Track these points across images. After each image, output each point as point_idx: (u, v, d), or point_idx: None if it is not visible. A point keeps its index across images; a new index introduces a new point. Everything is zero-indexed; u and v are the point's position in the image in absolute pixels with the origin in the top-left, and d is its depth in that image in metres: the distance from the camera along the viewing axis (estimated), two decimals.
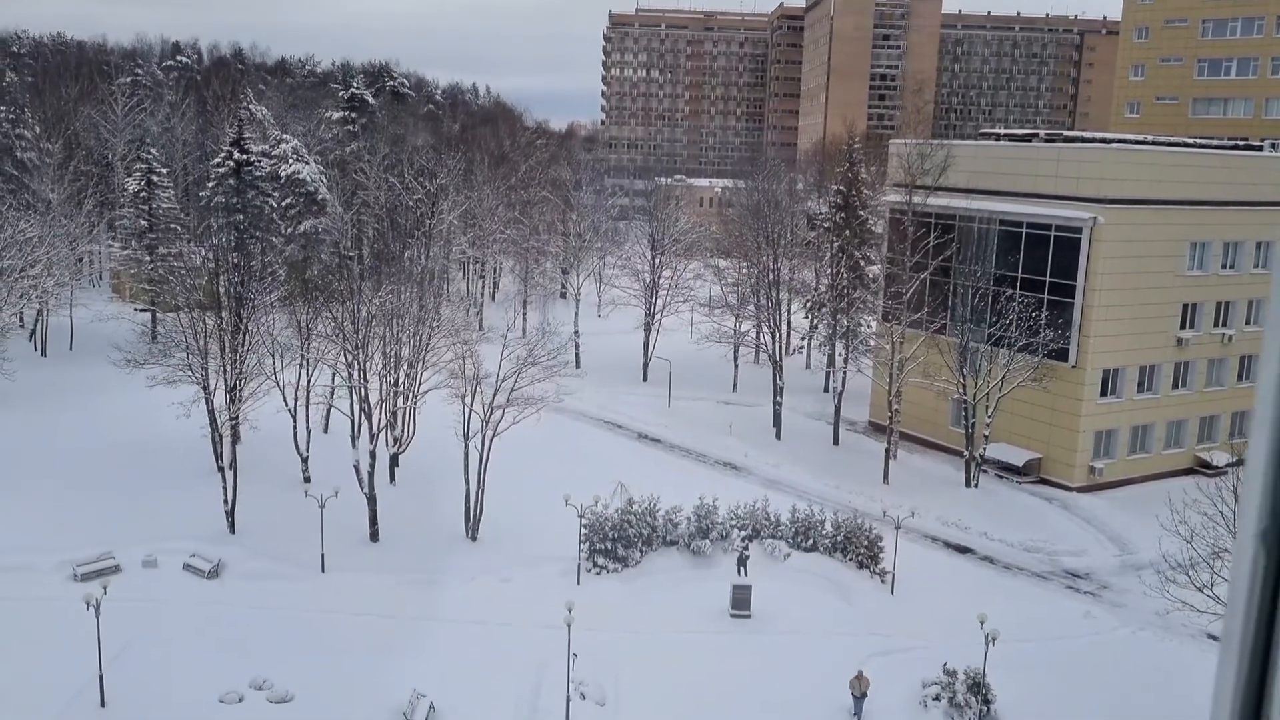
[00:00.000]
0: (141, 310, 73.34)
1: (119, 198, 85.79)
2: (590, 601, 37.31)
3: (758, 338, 68.95)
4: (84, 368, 64.78)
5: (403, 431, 48.58)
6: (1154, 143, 60.01)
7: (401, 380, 47.29)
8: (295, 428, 49.00)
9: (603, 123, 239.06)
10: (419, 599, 39.41)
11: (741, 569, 41.06)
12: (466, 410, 44.85)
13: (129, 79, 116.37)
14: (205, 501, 44.95)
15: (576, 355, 74.07)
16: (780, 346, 65.28)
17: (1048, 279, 55.03)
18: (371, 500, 44.55)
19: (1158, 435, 57.18)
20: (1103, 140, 60.91)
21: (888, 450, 56.05)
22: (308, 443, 49.50)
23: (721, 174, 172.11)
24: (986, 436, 55.06)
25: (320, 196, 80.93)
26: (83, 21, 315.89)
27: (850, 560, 43.47)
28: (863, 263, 66.12)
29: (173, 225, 77.51)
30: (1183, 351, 56.80)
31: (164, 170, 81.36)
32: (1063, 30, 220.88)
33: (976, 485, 54.68)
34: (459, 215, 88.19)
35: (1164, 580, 33.97)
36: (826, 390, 69.59)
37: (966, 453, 55.06)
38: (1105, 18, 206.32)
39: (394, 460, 49.61)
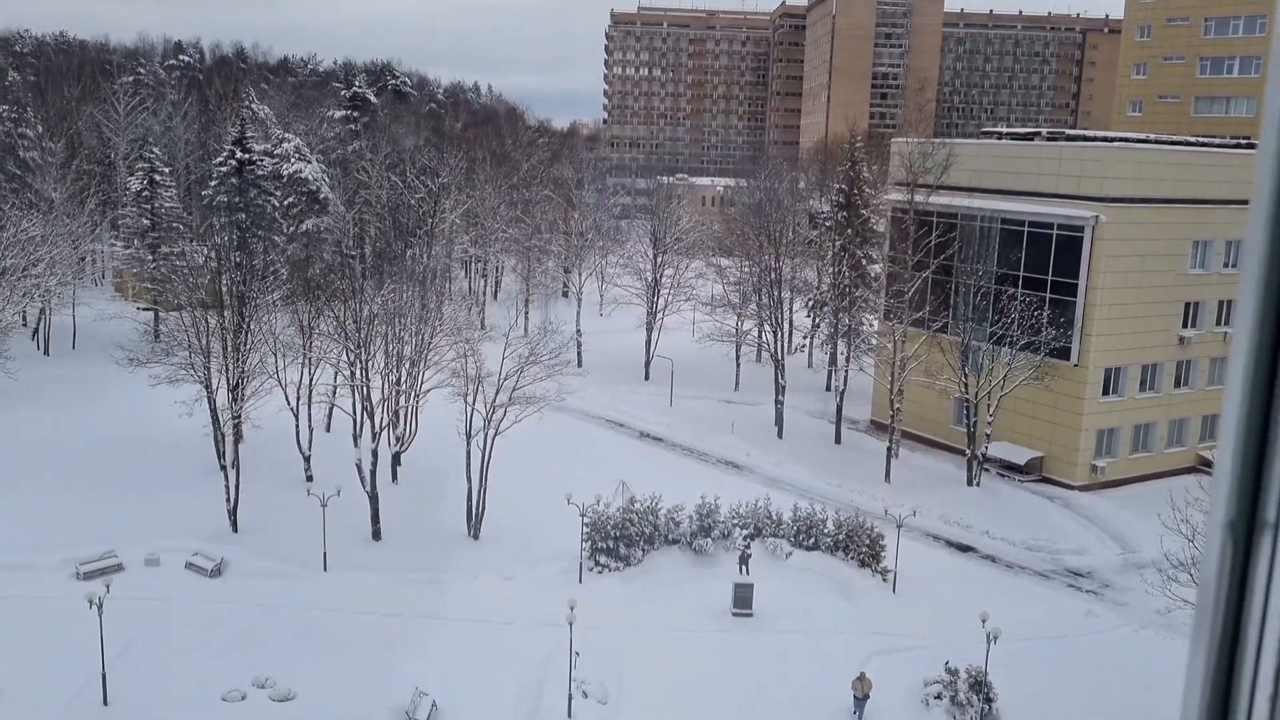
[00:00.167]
0: (144, 309, 73.41)
1: (121, 197, 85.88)
2: (592, 600, 37.34)
3: (759, 336, 68.97)
4: (87, 367, 64.84)
5: (405, 430, 48.62)
6: (1156, 141, 60.03)
7: (404, 379, 47.32)
8: (298, 426, 49.04)
9: (605, 121, 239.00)
10: (421, 597, 39.45)
11: (743, 568, 41.08)
12: (468, 409, 44.89)
13: (131, 78, 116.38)
14: (208, 500, 44.99)
15: (578, 354, 74.08)
16: (782, 345, 65.29)
17: (1049, 278, 55.03)
18: (374, 499, 44.58)
19: (1160, 434, 57.17)
20: (1105, 139, 60.91)
21: (889, 449, 56.05)
22: (310, 441, 49.54)
23: (723, 173, 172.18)
24: (988, 435, 55.05)
25: (322, 195, 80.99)
26: (85, 21, 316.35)
27: (852, 559, 43.49)
28: (864, 261, 66.11)
29: (175, 224, 77.58)
30: (1185, 350, 56.78)
31: (166, 169, 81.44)
32: (1065, 29, 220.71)
33: (978, 484, 54.68)
34: (461, 214, 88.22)
35: (1166, 579, 33.99)
36: (828, 389, 69.58)
37: (968, 451, 55.05)
38: (1107, 16, 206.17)
39: (396, 459, 49.64)
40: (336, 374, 48.26)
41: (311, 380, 48.87)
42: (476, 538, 45.05)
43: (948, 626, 37.69)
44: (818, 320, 69.74)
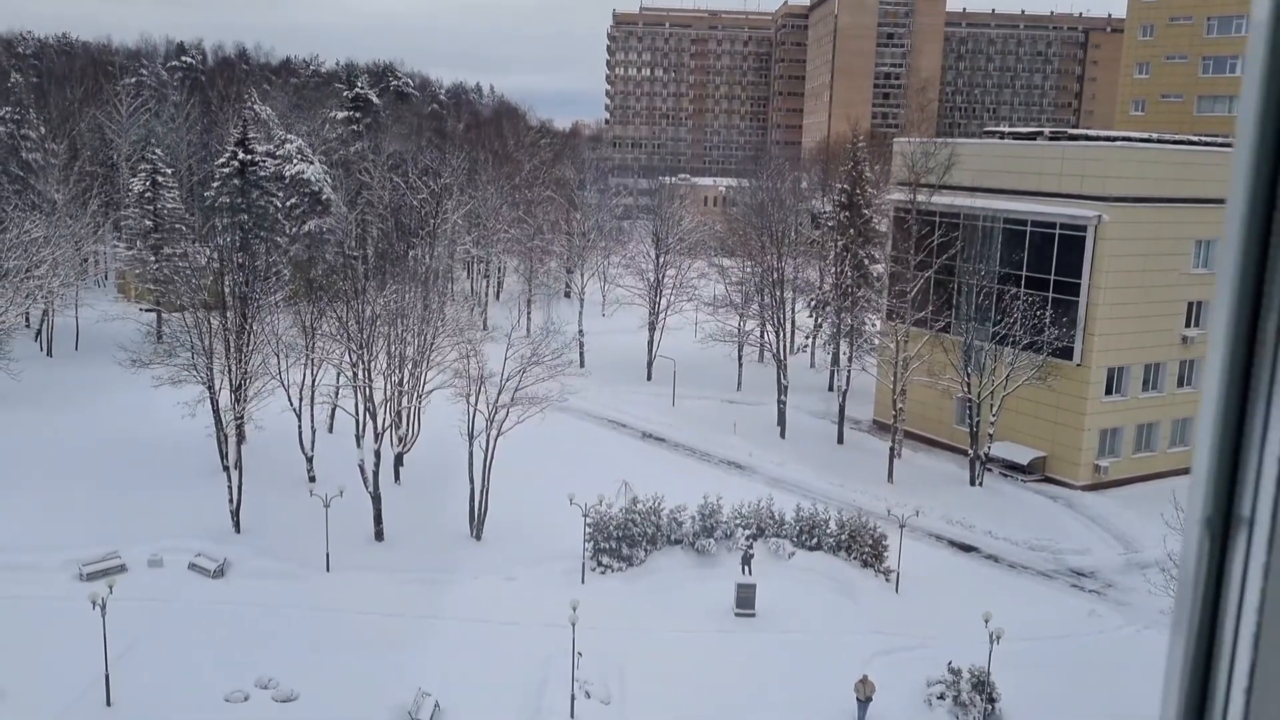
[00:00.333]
0: (146, 310, 73.49)
1: (124, 198, 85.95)
2: (595, 600, 37.34)
3: (762, 336, 69.01)
4: (89, 368, 64.91)
5: (407, 431, 48.65)
6: (1159, 141, 59.97)
7: (406, 380, 47.36)
8: (300, 427, 49.08)
9: (607, 122, 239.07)
10: (424, 598, 39.47)
11: (746, 568, 41.08)
12: (471, 409, 44.92)
13: (133, 79, 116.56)
14: (210, 501, 45.04)
15: (581, 354, 74.09)
16: (784, 345, 65.29)
17: (1052, 277, 55.00)
18: (376, 499, 44.62)
19: (1163, 433, 57.13)
20: (1107, 138, 60.89)
21: (892, 449, 56.04)
22: (313, 442, 49.58)
23: (726, 173, 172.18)
24: (991, 435, 55.03)
25: (325, 196, 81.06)
26: (87, 22, 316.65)
27: (855, 559, 43.49)
28: (867, 261, 66.10)
29: (178, 225, 77.63)
30: (1188, 350, 56.73)
31: (169, 170, 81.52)
32: (1067, 28, 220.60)
33: (981, 484, 54.65)
34: (463, 215, 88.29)
35: (1169, 579, 33.98)
36: (831, 389, 69.57)
37: (971, 451, 55.04)
38: (1110, 15, 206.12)
39: (399, 459, 49.67)
40: (339, 375, 48.32)
41: (314, 381, 48.91)
42: (479, 538, 45.07)
43: (950, 626, 37.69)
44: (820, 320, 69.74)
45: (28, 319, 74.31)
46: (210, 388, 45.67)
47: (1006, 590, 42.20)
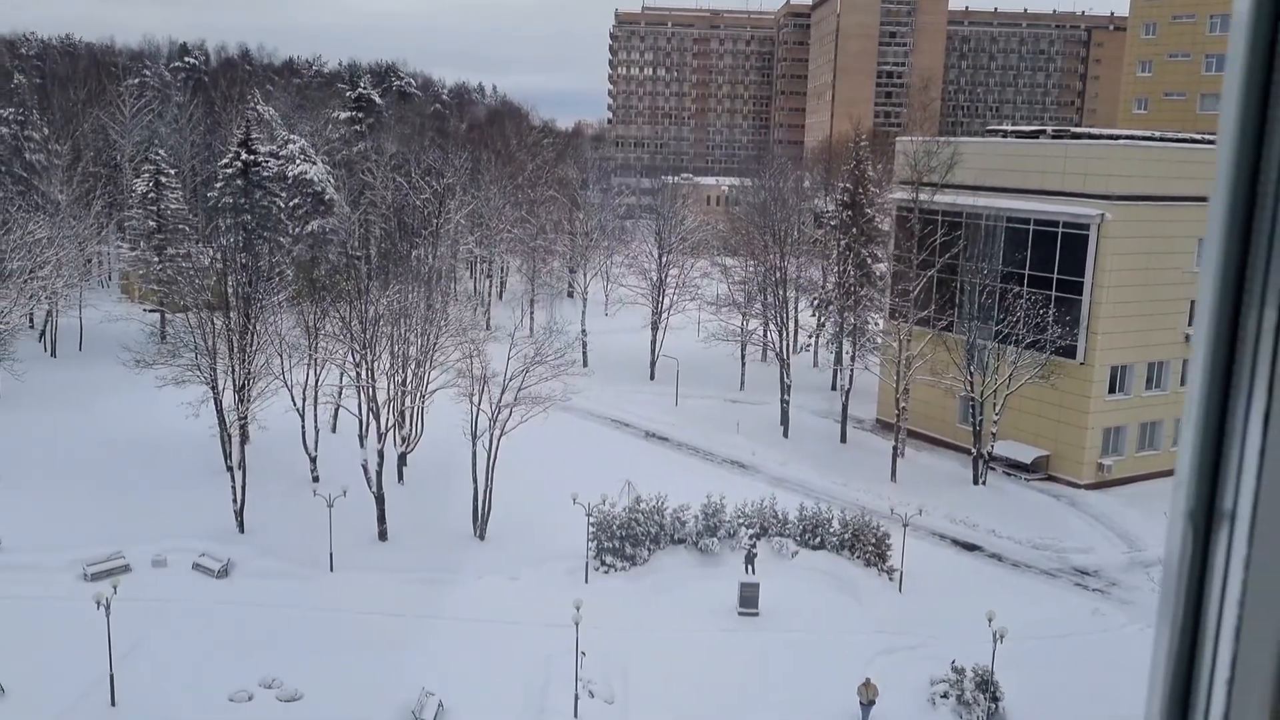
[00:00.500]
0: (150, 311, 73.60)
1: (127, 199, 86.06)
2: (598, 600, 37.38)
3: (765, 336, 68.97)
4: (93, 368, 65.01)
5: (411, 431, 48.71)
6: (1162, 139, 59.89)
7: (409, 379, 47.41)
8: (304, 427, 49.16)
9: (609, 121, 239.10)
10: (427, 597, 39.52)
11: (749, 567, 41.11)
12: (474, 409, 44.96)
13: (137, 80, 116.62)
14: (214, 501, 45.12)
15: (584, 354, 74.14)
16: (787, 344, 65.28)
17: (1055, 276, 54.97)
18: (380, 499, 44.67)
19: (1166, 432, 57.05)
20: (1110, 137, 60.81)
21: (895, 448, 56.03)
22: (316, 442, 49.65)
23: (728, 172, 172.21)
24: (994, 434, 55.02)
25: (327, 196, 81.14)
26: (90, 23, 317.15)
27: (858, 558, 43.49)
28: (870, 260, 66.12)
29: (181, 226, 77.76)
30: (1191, 348, 56.61)
31: (172, 171, 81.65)
32: (1070, 27, 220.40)
33: (984, 482, 54.64)
34: (466, 214, 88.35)
35: None
36: (834, 388, 69.56)
37: (974, 450, 55.03)
38: (1112, 14, 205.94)
39: (402, 459, 49.72)
40: (342, 375, 48.36)
41: (317, 381, 49.00)
42: (482, 538, 45.12)
43: (954, 625, 37.69)
44: (823, 319, 69.76)
45: (31, 320, 74.43)
46: (214, 388, 45.74)
47: (1010, 589, 42.19)
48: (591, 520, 42.45)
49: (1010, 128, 71.22)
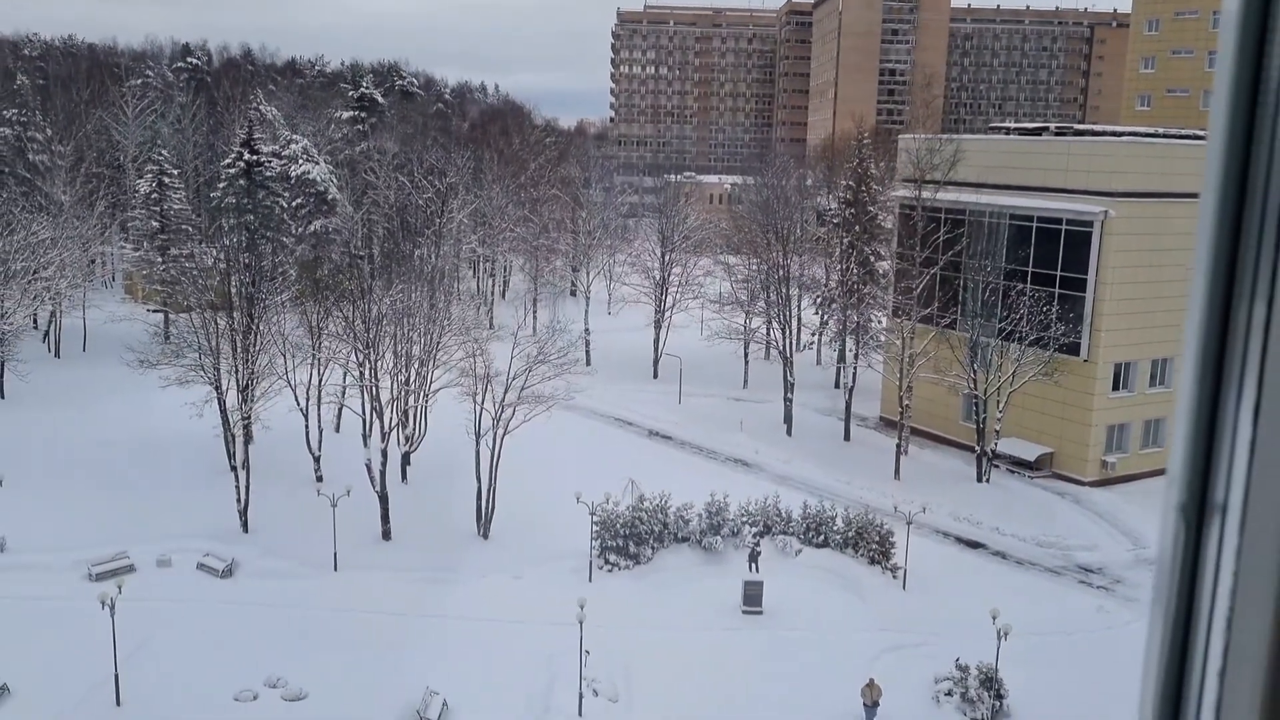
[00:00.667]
0: (154, 311, 73.66)
1: (131, 199, 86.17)
2: (602, 598, 37.43)
3: (768, 334, 68.94)
4: (97, 369, 65.11)
5: (414, 430, 48.74)
6: (1165, 136, 59.79)
7: (413, 379, 47.45)
8: (307, 427, 49.21)
9: (611, 120, 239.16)
10: (431, 597, 39.56)
11: (753, 565, 41.13)
12: (477, 408, 44.99)
13: (139, 81, 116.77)
14: (218, 501, 45.18)
15: (587, 353, 74.17)
16: (790, 343, 65.26)
17: (1058, 273, 54.91)
18: (383, 499, 44.71)
19: (1170, 429, 56.94)
20: (1113, 133, 60.73)
21: (899, 445, 56.01)
22: (320, 442, 49.70)
23: (731, 170, 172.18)
24: (998, 431, 54.97)
25: (330, 196, 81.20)
26: (92, 23, 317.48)
27: (862, 556, 43.48)
28: (873, 258, 66.07)
29: (184, 226, 77.85)
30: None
31: (175, 171, 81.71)
32: (1072, 23, 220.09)
33: (988, 480, 54.61)
34: (469, 214, 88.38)
35: None
36: (837, 386, 69.55)
37: (978, 448, 55.00)
38: (1115, 10, 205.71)
39: (405, 459, 49.76)
40: (346, 374, 48.39)
41: (321, 381, 49.04)
42: (486, 537, 45.15)
43: (958, 623, 37.67)
44: (826, 317, 69.71)
45: (35, 320, 74.53)
46: (217, 388, 45.80)
47: (1014, 586, 42.16)
48: (595, 519, 42.47)
49: (1013, 125, 71.18)
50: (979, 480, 54.64)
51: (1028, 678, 34.25)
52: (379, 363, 46.11)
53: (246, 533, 44.26)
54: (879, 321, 64.81)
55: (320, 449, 49.66)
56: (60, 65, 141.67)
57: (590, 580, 41.16)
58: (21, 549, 41.26)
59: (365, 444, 46.56)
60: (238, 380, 46.32)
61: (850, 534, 43.83)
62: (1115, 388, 55.05)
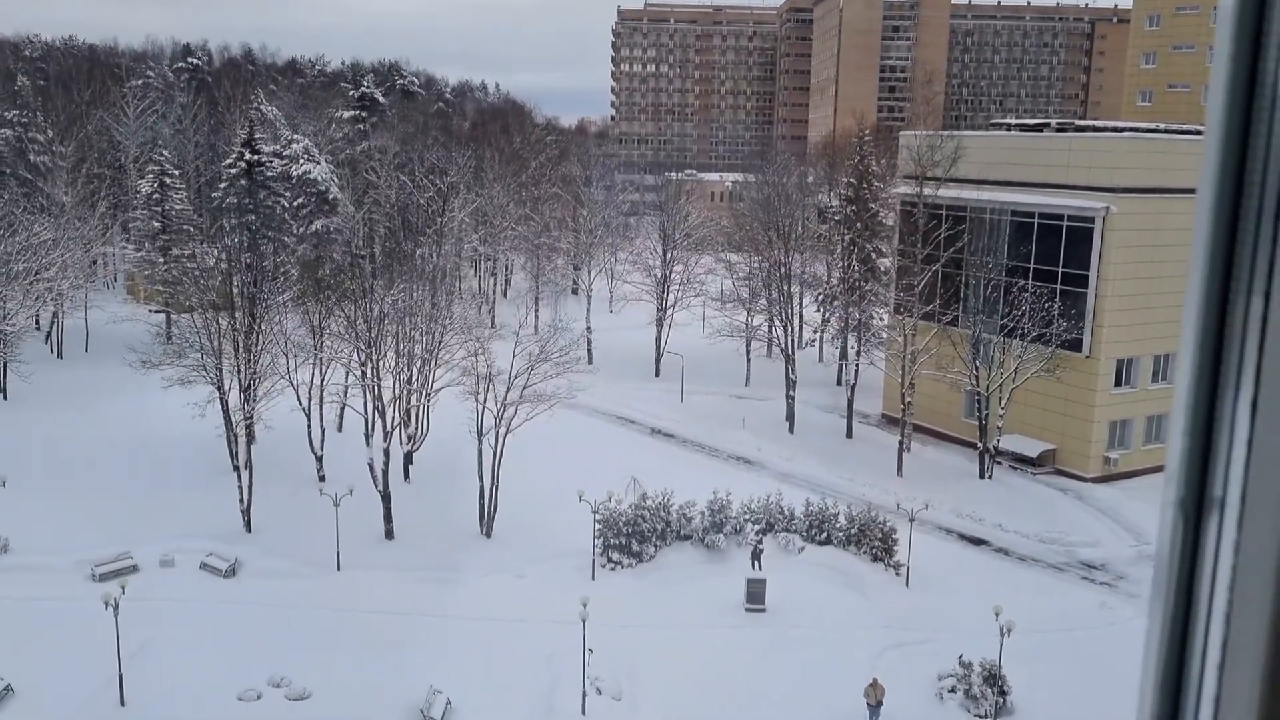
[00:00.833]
0: (156, 311, 73.70)
1: (132, 200, 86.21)
2: (605, 596, 37.43)
3: (770, 332, 68.94)
4: (99, 369, 65.16)
5: (416, 429, 48.76)
6: (1166, 131, 59.74)
7: (415, 378, 47.46)
8: (309, 427, 49.23)
9: (612, 118, 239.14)
10: (434, 596, 39.58)
11: (756, 563, 41.15)
12: (480, 407, 45.00)
13: (140, 81, 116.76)
14: (221, 501, 45.21)
15: (589, 351, 74.18)
16: (792, 340, 65.25)
17: (1060, 269, 54.87)
18: (386, 498, 44.73)
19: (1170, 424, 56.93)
20: (1114, 129, 60.71)
21: (901, 443, 56.01)
22: (322, 441, 49.72)
23: (732, 168, 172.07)
24: (1000, 428, 54.96)
25: (332, 196, 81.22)
26: (92, 24, 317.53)
27: (864, 553, 43.48)
28: (874, 255, 66.03)
29: (186, 226, 77.88)
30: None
31: (176, 172, 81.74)
32: (1073, 19, 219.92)
33: (990, 477, 54.60)
34: (470, 213, 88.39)
35: None
36: (839, 383, 69.55)
37: (980, 444, 54.98)
38: (1116, 6, 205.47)
39: (408, 458, 49.79)
40: (348, 374, 48.42)
41: (323, 380, 49.06)
42: (489, 536, 45.17)
43: (961, 620, 37.66)
44: (828, 315, 69.69)
45: (38, 321, 74.59)
46: (220, 388, 45.84)
47: (1017, 583, 42.17)
48: (598, 517, 42.48)
49: (1014, 121, 71.11)
50: (981, 477, 54.63)
51: (1031, 674, 34.25)
52: (381, 362, 46.12)
53: (249, 533, 44.29)
54: (881, 318, 64.79)
55: (323, 449, 49.68)
56: (61, 66, 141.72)
57: (593, 579, 41.18)
58: (24, 550, 41.30)
59: (368, 443, 46.59)
60: (240, 380, 46.34)
61: (853, 531, 43.83)
62: (1117, 384, 55.02)
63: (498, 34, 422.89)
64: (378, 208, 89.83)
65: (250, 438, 47.64)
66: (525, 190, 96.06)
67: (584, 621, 33.37)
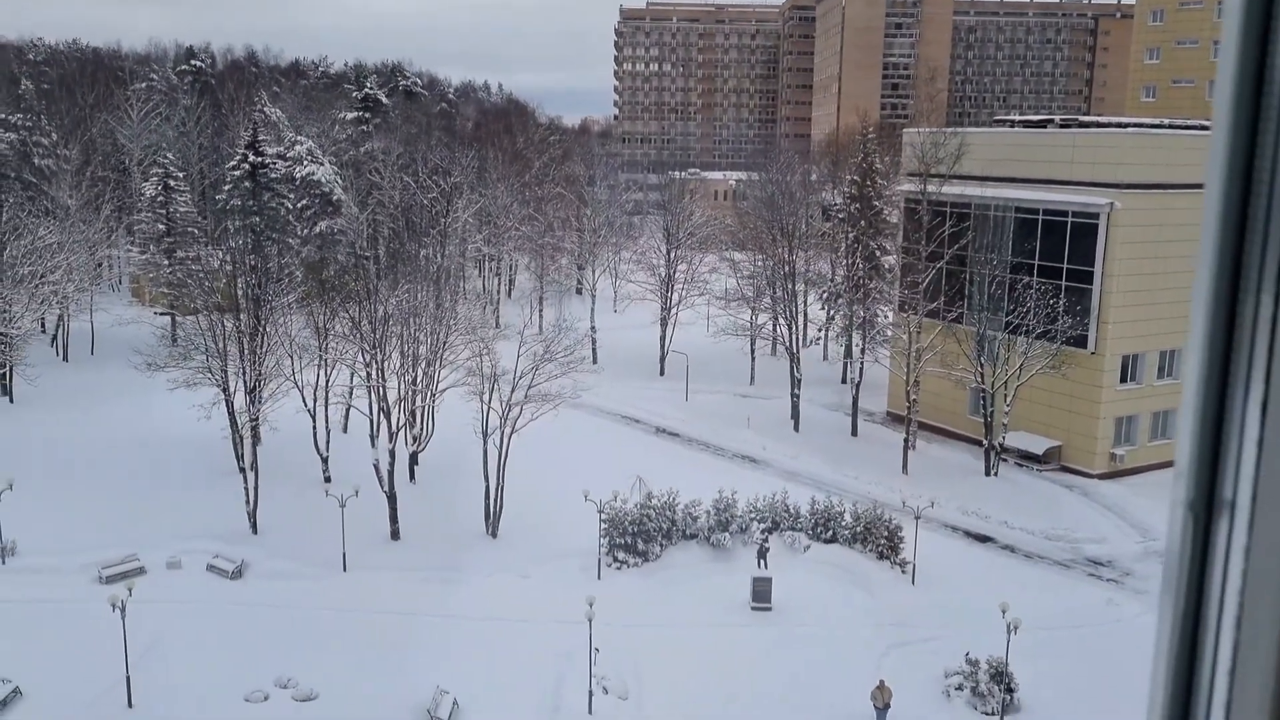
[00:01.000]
0: (161, 314, 73.77)
1: (136, 202, 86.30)
2: (611, 596, 37.40)
3: (774, 330, 68.90)
4: (105, 371, 65.27)
5: (421, 430, 48.78)
6: (1170, 126, 59.61)
7: (419, 379, 47.47)
8: (315, 428, 49.26)
9: (616, 118, 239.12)
10: (440, 596, 39.61)
11: (761, 561, 41.12)
12: (485, 407, 45.01)
13: (144, 84, 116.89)
14: (227, 502, 45.26)
15: (593, 351, 74.17)
16: (797, 338, 65.21)
17: (1065, 265, 54.79)
18: (391, 499, 44.76)
19: (1178, 422, 56.81)
20: (1118, 125, 60.59)
21: (906, 440, 55.94)
22: (327, 442, 49.75)
23: (735, 166, 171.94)
24: (1005, 425, 54.88)
25: (335, 197, 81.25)
26: (96, 27, 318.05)
27: (870, 551, 43.44)
28: (878, 253, 66.00)
29: (190, 229, 77.92)
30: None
31: (180, 174, 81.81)
32: (1076, 15, 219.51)
33: (996, 474, 54.52)
34: (474, 213, 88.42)
35: None
36: (844, 381, 69.47)
37: (986, 441, 54.90)
38: (1119, 2, 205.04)
39: (413, 459, 49.81)
40: (353, 375, 48.46)
41: (328, 381, 49.08)
42: (494, 536, 45.19)
43: (967, 617, 37.62)
44: (832, 313, 69.65)
45: (43, 324, 74.73)
46: (225, 390, 45.89)
47: (1023, 580, 42.10)
48: (603, 517, 42.48)
49: (1018, 117, 70.99)
50: (987, 474, 54.56)
51: (1038, 671, 34.21)
52: (386, 363, 46.15)
53: (255, 534, 44.34)
54: (885, 316, 64.72)
55: (328, 450, 49.71)
56: (65, 69, 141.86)
57: (599, 578, 41.18)
58: (31, 552, 41.38)
59: (373, 444, 46.62)
60: (245, 382, 46.38)
61: (858, 529, 43.80)
62: (1123, 380, 54.93)
63: (498, 34, 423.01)
64: (381, 209, 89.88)
65: (255, 439, 47.69)
66: (529, 190, 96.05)
67: (590, 621, 33.37)
